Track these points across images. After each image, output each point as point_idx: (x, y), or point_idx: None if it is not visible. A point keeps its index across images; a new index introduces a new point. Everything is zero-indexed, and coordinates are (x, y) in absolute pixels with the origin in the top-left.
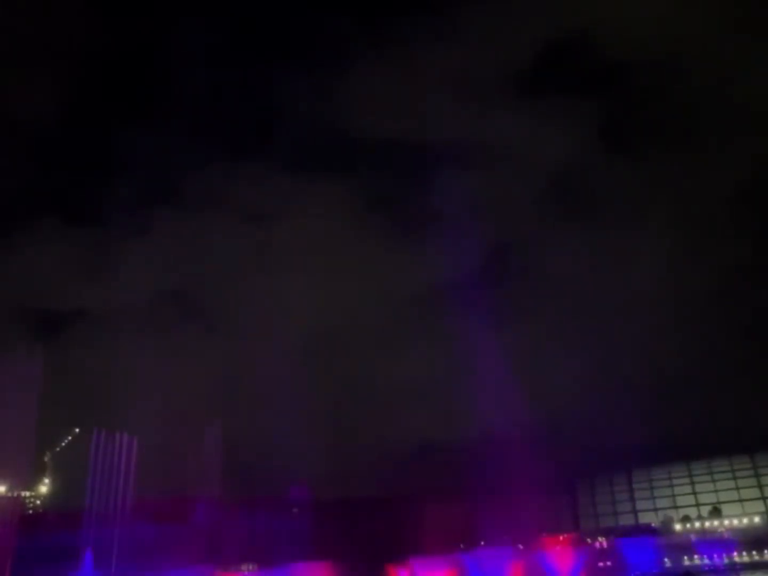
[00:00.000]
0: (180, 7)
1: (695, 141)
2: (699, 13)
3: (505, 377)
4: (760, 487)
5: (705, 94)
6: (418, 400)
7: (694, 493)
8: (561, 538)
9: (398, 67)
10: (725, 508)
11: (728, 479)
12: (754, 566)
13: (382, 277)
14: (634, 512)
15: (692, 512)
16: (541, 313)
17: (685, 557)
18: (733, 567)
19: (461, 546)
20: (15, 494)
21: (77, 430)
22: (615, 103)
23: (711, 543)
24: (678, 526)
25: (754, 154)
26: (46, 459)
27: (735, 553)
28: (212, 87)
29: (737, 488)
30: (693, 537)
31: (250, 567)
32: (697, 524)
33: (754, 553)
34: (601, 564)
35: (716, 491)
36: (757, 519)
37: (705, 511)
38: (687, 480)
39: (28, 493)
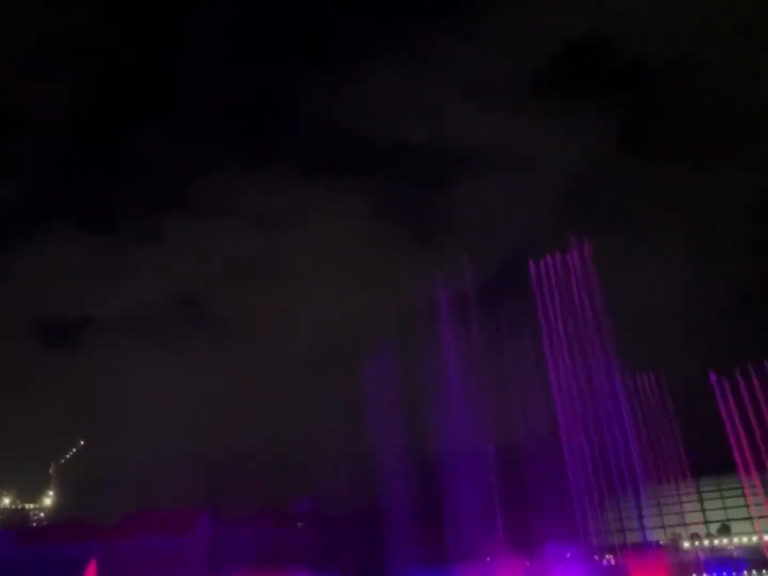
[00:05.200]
0: (192, 8)
1: (715, 145)
2: (721, 16)
3: (513, 389)
4: None
5: (726, 97)
6: (427, 411)
7: (703, 510)
8: (568, 554)
9: (415, 69)
10: (735, 526)
11: (738, 496)
12: None
13: (394, 284)
14: (642, 529)
15: (701, 530)
16: (555, 323)
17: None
18: None
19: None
20: (19, 507)
21: (82, 442)
22: (634, 106)
23: (720, 561)
24: (686, 544)
25: None
26: (50, 471)
27: (745, 572)
28: (225, 91)
29: (747, 505)
30: (701, 555)
31: None
32: (706, 542)
33: (764, 572)
34: None
35: (725, 508)
36: (767, 537)
37: (714, 528)
38: (696, 497)
39: (32, 506)
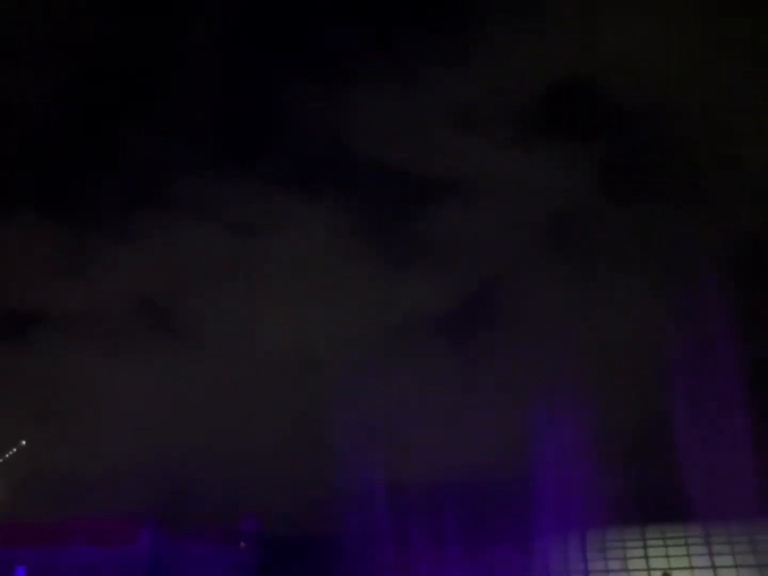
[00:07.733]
0: (180, 5)
1: (696, 195)
2: (711, 66)
3: (468, 420)
4: (711, 555)
5: (709, 148)
6: (384, 439)
7: (646, 557)
8: None
9: (405, 86)
10: (675, 575)
11: (680, 545)
12: None
13: (367, 303)
14: (586, 572)
15: None
16: (518, 358)
17: None
18: None
19: None
20: None
21: (24, 441)
22: (616, 150)
23: None
24: None
25: (756, 215)
26: None
27: None
28: (216, 93)
29: (688, 555)
30: None
31: None
32: None
33: None
34: None
35: (668, 557)
36: None
37: None
38: (640, 543)
39: None
